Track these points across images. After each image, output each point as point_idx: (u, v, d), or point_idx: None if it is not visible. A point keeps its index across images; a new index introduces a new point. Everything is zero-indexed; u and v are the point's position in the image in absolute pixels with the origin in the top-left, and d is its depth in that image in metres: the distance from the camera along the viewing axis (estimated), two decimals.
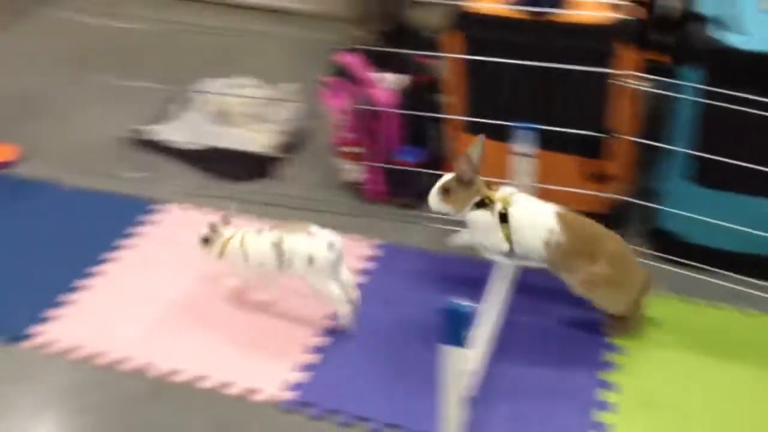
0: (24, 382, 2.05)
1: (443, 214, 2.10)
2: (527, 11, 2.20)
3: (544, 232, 2.00)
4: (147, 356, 2.10)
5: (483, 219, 2.04)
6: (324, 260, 2.06)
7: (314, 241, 2.07)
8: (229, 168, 2.80)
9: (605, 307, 2.07)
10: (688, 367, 2.04)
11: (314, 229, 2.10)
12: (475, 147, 2.01)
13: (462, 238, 2.18)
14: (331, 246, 2.07)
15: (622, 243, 2.04)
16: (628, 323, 2.11)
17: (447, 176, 2.07)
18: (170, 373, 2.06)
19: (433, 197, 2.08)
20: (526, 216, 2.03)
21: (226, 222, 2.23)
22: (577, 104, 2.24)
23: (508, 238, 2.04)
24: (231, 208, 2.27)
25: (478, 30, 2.23)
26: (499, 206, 2.03)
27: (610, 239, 2.02)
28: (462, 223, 2.10)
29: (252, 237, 2.16)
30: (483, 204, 2.03)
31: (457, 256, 2.37)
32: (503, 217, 2.02)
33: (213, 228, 2.20)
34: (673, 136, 2.18)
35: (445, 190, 2.06)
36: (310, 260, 2.06)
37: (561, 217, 2.01)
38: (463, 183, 2.03)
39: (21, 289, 2.31)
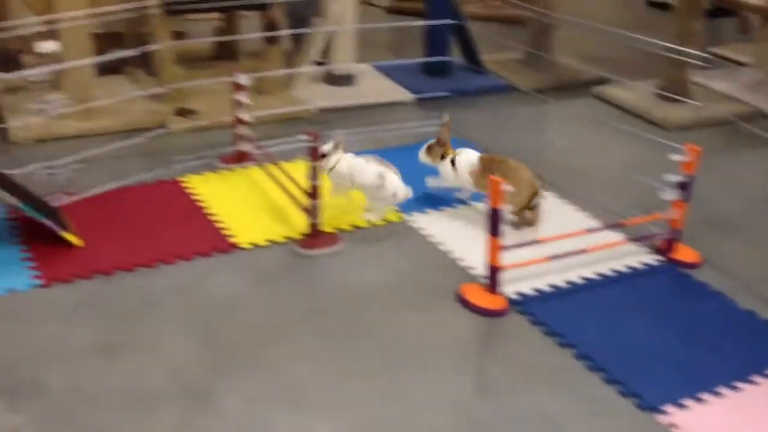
0: None
1: None
2: None
3: (470, 166, 3.35)
4: None
5: (446, 166, 3.41)
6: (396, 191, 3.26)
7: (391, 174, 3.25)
8: None
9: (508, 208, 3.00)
10: None
11: (393, 168, 3.27)
12: (448, 126, 3.41)
13: (436, 182, 3.49)
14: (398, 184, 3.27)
15: (517, 165, 3.27)
16: (525, 219, 3.26)
17: (430, 140, 3.45)
18: None
19: (422, 152, 3.47)
20: (463, 160, 3.37)
21: (336, 146, 3.26)
22: None
23: (457, 176, 3.39)
24: (341, 134, 3.27)
25: None
26: (450, 157, 3.40)
27: (508, 164, 3.27)
28: None
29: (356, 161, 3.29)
30: (443, 157, 3.41)
31: None
32: (453, 163, 3.38)
33: (335, 146, 3.26)
34: None
35: (429, 148, 3.45)
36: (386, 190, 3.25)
37: (480, 157, 3.36)
38: (440, 144, 3.42)
39: (671, 369, 2.53)
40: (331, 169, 3.26)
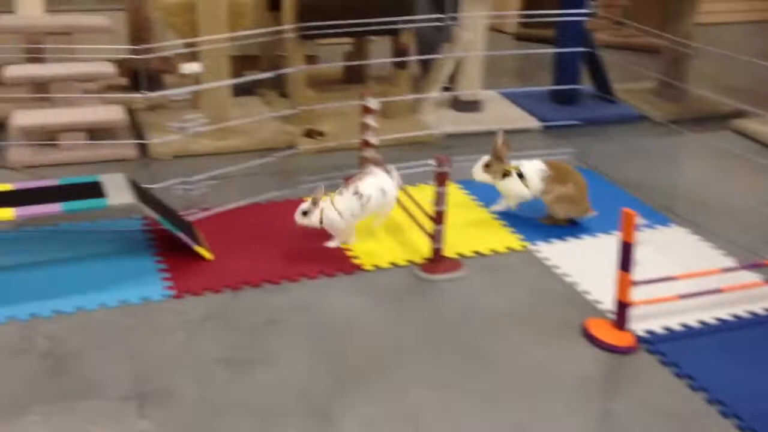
0: None
1: None
2: None
3: (540, 173, 3.38)
4: None
5: (510, 182, 3.42)
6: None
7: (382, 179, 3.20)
8: None
9: (559, 213, 3.41)
10: None
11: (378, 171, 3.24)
12: (507, 142, 3.39)
13: (500, 206, 3.53)
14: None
15: (583, 177, 3.41)
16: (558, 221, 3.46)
17: (486, 157, 3.42)
18: None
19: (478, 170, 3.44)
20: (530, 169, 3.39)
21: (316, 200, 3.10)
22: None
23: (527, 187, 3.39)
24: (321, 188, 3.10)
25: None
26: (514, 172, 3.40)
27: (576, 174, 3.40)
28: None
29: (337, 197, 3.14)
30: (506, 174, 3.40)
31: None
32: (520, 176, 3.39)
33: (313, 202, 3.11)
34: None
35: (487, 165, 3.41)
36: (383, 192, 3.18)
37: (546, 163, 3.41)
38: (500, 160, 3.39)
39: None
40: (321, 222, 3.14)
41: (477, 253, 3.25)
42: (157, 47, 4.03)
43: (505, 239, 3.35)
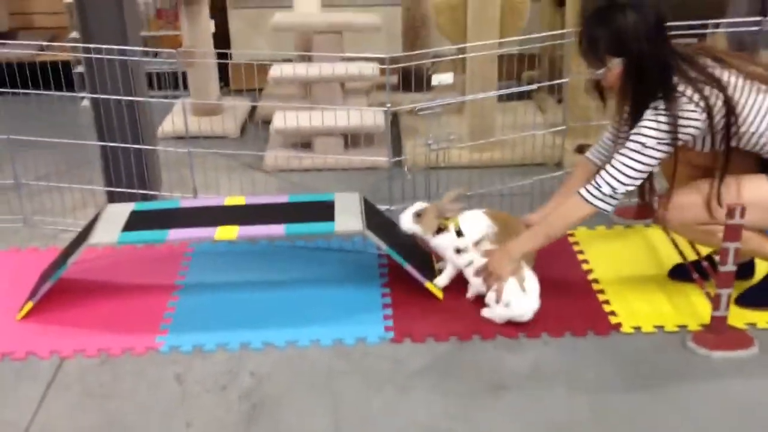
0: None
1: None
2: None
3: (486, 229, 2.67)
4: None
5: (443, 241, 2.67)
6: None
7: None
8: None
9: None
10: None
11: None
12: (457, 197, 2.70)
13: (443, 280, 2.73)
14: None
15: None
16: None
17: (421, 204, 2.70)
18: None
19: (406, 218, 2.67)
20: (471, 225, 2.67)
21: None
22: None
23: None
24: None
25: None
26: (452, 228, 2.66)
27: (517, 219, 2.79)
28: None
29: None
30: (441, 229, 2.66)
31: None
32: (459, 233, 2.65)
33: None
34: None
35: (418, 215, 2.67)
36: None
37: (490, 215, 2.71)
38: (436, 212, 2.66)
39: None
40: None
41: None
42: (427, 53, 3.73)
43: None
